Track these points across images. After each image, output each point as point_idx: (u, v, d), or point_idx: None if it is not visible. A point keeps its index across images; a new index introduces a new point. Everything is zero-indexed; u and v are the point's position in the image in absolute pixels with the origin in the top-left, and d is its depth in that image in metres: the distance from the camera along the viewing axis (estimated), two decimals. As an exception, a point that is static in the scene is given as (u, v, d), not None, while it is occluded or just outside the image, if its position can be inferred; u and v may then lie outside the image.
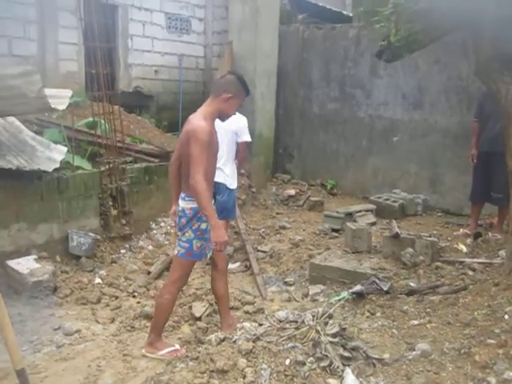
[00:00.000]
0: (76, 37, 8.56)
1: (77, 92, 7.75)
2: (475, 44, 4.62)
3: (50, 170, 5.91)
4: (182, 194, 4.27)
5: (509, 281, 4.19)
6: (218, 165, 5.80)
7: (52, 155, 6.10)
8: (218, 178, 6.02)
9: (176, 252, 4.32)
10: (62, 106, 5.99)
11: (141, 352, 4.38)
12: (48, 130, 7.06)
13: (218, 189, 6.16)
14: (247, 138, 6.33)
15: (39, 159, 5.93)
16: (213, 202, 4.45)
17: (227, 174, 6.12)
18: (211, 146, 4.13)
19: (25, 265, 5.43)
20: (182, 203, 4.25)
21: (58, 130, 7.01)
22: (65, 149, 6.33)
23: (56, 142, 6.50)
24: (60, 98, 6.07)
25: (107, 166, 6.74)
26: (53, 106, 5.60)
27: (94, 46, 6.76)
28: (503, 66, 4.38)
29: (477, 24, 4.49)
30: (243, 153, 6.40)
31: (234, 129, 6.09)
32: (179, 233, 4.30)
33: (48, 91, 5.58)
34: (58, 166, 6.00)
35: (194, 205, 4.11)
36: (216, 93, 4.23)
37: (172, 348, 4.33)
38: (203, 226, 4.20)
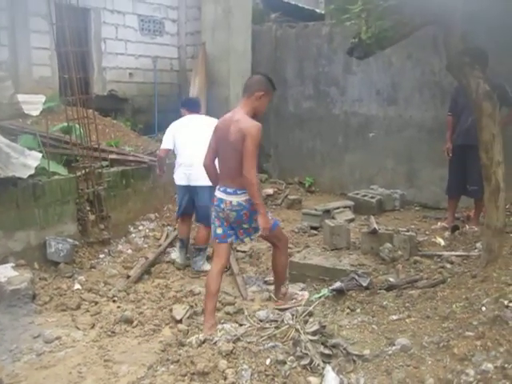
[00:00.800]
0: (48, 41, 8.50)
1: (51, 97, 7.71)
2: (445, 39, 4.65)
3: (25, 177, 5.86)
4: (229, 189, 4.53)
5: (485, 273, 4.23)
6: (195, 162, 5.87)
7: (27, 161, 6.04)
8: (195, 180, 6.05)
9: (253, 236, 4.80)
10: (36, 112, 5.95)
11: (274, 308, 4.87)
12: (22, 136, 6.99)
13: (195, 190, 6.17)
14: None
15: (14, 166, 5.87)
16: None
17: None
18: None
19: (2, 273, 5.35)
20: (233, 198, 4.52)
21: (33, 136, 6.94)
22: (39, 155, 6.27)
23: (30, 149, 6.43)
24: (33, 104, 6.04)
25: (83, 171, 6.70)
26: (26, 112, 5.57)
27: (66, 50, 6.71)
28: (473, 60, 4.42)
29: (446, 19, 4.52)
30: None
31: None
32: (244, 225, 4.62)
33: (21, 97, 5.54)
34: (33, 172, 5.95)
35: (248, 196, 4.44)
36: (249, 92, 4.64)
37: (298, 294, 5.13)
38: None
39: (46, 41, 8.54)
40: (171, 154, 6.54)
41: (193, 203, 6.37)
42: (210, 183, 5.88)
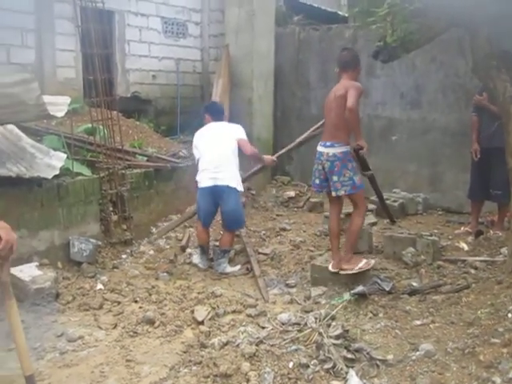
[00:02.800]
0: (73, 44, 8.57)
1: (75, 98, 7.76)
2: (472, 42, 4.62)
3: (50, 177, 5.91)
4: (328, 143, 5.34)
5: (511, 279, 4.18)
6: (219, 168, 5.94)
7: (51, 162, 6.11)
8: (222, 180, 6.10)
9: (343, 192, 5.32)
10: (61, 113, 6.00)
11: (340, 272, 5.35)
12: (47, 137, 7.06)
13: (221, 193, 6.17)
14: (246, 138, 6.50)
15: (39, 166, 5.94)
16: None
17: (232, 175, 6.18)
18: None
19: (27, 272, 5.41)
20: (330, 150, 5.30)
21: (57, 137, 7.00)
22: (64, 155, 6.33)
23: (55, 149, 6.51)
24: (58, 105, 6.08)
25: (107, 172, 6.75)
26: (51, 113, 5.61)
27: (91, 52, 6.77)
28: (500, 63, 4.39)
29: (473, 22, 4.49)
30: (246, 146, 6.43)
31: (234, 136, 6.37)
32: (334, 177, 5.28)
33: (46, 98, 5.58)
34: (57, 172, 6.00)
35: (343, 149, 5.27)
36: (352, 66, 5.37)
37: (364, 261, 5.41)
38: (353, 163, 5.35)
39: (70, 43, 8.61)
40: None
41: (215, 209, 6.39)
42: (236, 186, 6.01)
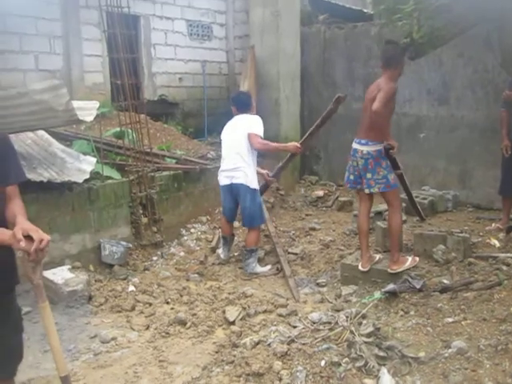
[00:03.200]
0: (100, 49, 8.71)
1: (103, 103, 7.88)
2: (500, 36, 4.58)
3: (81, 181, 6.00)
4: (363, 141, 5.37)
5: (544, 274, 4.14)
6: (234, 166, 6.04)
7: (82, 166, 6.20)
8: (237, 178, 6.16)
9: (376, 190, 5.38)
10: (90, 118, 6.08)
11: (388, 270, 5.36)
12: (77, 141, 7.16)
13: (238, 191, 6.25)
14: (256, 131, 6.34)
15: (69, 171, 6.03)
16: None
17: (246, 172, 6.22)
18: (392, 101, 5.34)
19: (59, 275, 5.50)
20: (364, 147, 5.34)
21: (87, 142, 7.10)
22: (94, 159, 6.42)
23: (85, 153, 6.60)
24: (87, 110, 6.17)
25: (136, 175, 6.82)
26: (80, 118, 5.68)
27: (118, 56, 6.84)
28: (529, 57, 4.34)
29: (501, 16, 4.44)
30: (254, 139, 6.28)
31: (247, 130, 6.32)
32: (368, 174, 5.35)
33: (75, 104, 5.66)
34: (87, 176, 6.09)
35: (377, 147, 5.32)
36: (393, 65, 5.27)
37: (410, 259, 5.48)
38: (387, 162, 5.41)
39: (97, 48, 8.74)
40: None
41: (235, 205, 6.51)
42: (249, 184, 6.16)
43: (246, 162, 6.28)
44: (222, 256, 6.68)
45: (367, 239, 5.65)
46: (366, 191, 5.47)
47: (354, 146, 5.49)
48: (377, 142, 5.34)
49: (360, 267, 5.55)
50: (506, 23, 4.41)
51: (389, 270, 5.39)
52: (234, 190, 6.34)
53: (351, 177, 5.61)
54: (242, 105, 6.59)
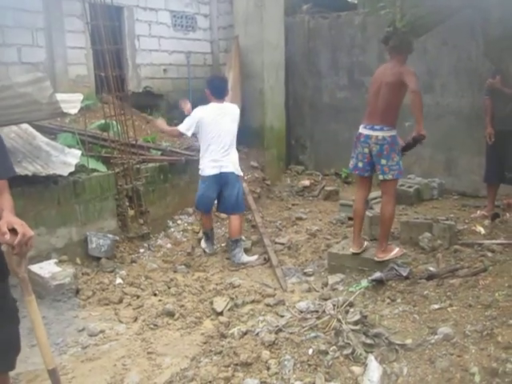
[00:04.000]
0: (83, 41, 8.62)
1: (87, 95, 7.82)
2: (483, 24, 4.59)
3: (66, 174, 5.96)
4: (376, 126, 5.29)
5: (528, 260, 4.18)
6: (224, 152, 6.16)
7: (67, 159, 6.16)
8: (227, 167, 6.20)
9: (390, 177, 5.30)
10: (74, 110, 6.04)
11: (375, 259, 5.40)
12: (61, 134, 7.11)
13: (226, 179, 6.27)
14: None
15: (54, 164, 5.99)
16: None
17: (234, 161, 6.40)
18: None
19: (46, 269, 5.48)
20: (379, 133, 5.26)
21: (71, 134, 7.06)
22: (79, 152, 6.37)
23: (70, 146, 6.56)
24: (71, 103, 6.12)
25: (122, 167, 6.79)
26: (65, 111, 5.65)
27: (101, 48, 6.80)
28: (512, 45, 4.36)
29: (484, 3, 4.45)
30: None
31: (235, 117, 6.52)
32: (383, 160, 5.26)
33: (59, 96, 5.62)
34: (73, 169, 6.05)
35: (392, 133, 5.29)
36: (402, 52, 5.26)
37: (397, 248, 5.51)
38: (399, 148, 5.37)
39: (81, 40, 8.65)
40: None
41: (216, 196, 6.52)
42: (238, 172, 6.35)
43: (235, 151, 6.44)
44: (207, 251, 6.71)
45: (361, 224, 5.70)
46: (380, 177, 5.37)
47: (366, 131, 5.39)
48: (391, 127, 5.31)
49: (352, 249, 5.62)
50: (489, 12, 4.42)
51: (375, 258, 5.42)
52: (222, 180, 6.35)
53: (360, 164, 5.48)
54: (219, 91, 6.44)
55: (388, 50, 5.40)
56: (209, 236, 6.76)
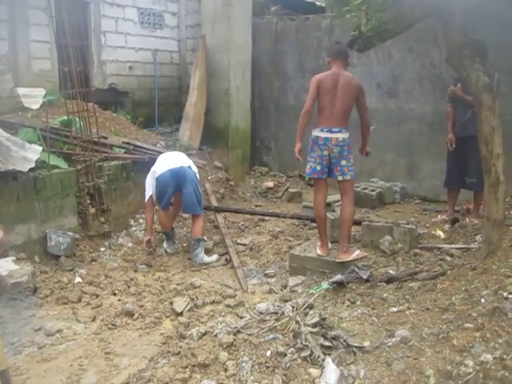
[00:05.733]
0: (48, 35, 8.47)
1: (51, 90, 7.71)
2: (445, 32, 4.64)
3: (26, 170, 5.86)
4: (335, 128, 5.40)
5: (485, 265, 4.23)
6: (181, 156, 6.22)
7: (27, 155, 6.04)
8: (183, 162, 6.28)
9: (348, 177, 5.45)
10: (36, 105, 5.95)
11: (336, 260, 5.44)
12: (22, 129, 6.99)
13: (184, 176, 6.33)
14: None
15: (14, 159, 5.88)
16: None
17: (191, 162, 6.45)
18: None
19: (3, 266, 5.36)
20: (339, 135, 5.40)
21: (33, 130, 6.94)
22: (40, 148, 6.26)
23: (31, 142, 6.44)
24: (33, 97, 6.03)
25: (83, 164, 6.70)
26: (26, 105, 5.57)
27: (66, 43, 6.69)
28: (473, 52, 4.41)
29: (446, 12, 4.51)
30: None
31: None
32: (343, 161, 5.42)
33: (21, 90, 5.53)
34: (33, 165, 5.95)
35: (349, 134, 5.45)
36: (345, 57, 5.63)
37: (358, 251, 5.54)
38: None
39: (45, 34, 8.51)
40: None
41: (174, 193, 6.52)
42: (195, 170, 6.51)
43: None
44: (168, 250, 6.68)
45: (325, 226, 5.71)
46: (340, 178, 5.45)
47: (324, 134, 5.42)
48: (347, 130, 5.46)
49: (320, 252, 5.63)
50: (451, 18, 4.48)
51: (337, 260, 5.44)
52: (179, 174, 6.34)
53: (318, 167, 5.51)
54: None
55: (336, 55, 5.62)
56: (169, 236, 6.73)
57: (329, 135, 5.40)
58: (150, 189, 6.54)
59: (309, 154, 5.59)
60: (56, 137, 7.06)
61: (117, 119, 9.03)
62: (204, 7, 10.07)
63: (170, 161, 6.50)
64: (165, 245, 6.74)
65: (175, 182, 6.38)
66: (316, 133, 5.49)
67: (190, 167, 6.47)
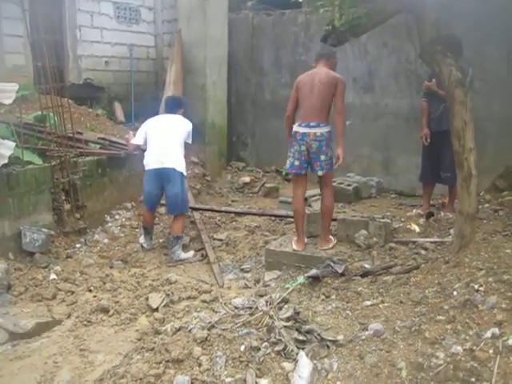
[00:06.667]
0: (22, 29, 8.36)
1: (25, 85, 7.62)
2: (418, 27, 4.66)
3: (-1, 166, 5.81)
4: (312, 123, 5.45)
5: (458, 258, 4.27)
6: (167, 150, 6.30)
7: (0, 151, 5.98)
8: (169, 162, 6.16)
9: (324, 171, 5.50)
10: (9, 100, 5.90)
11: (319, 249, 5.62)
12: (-5, 125, 6.91)
13: (168, 176, 6.22)
14: (189, 141, 6.70)
15: (-13, 156, 5.82)
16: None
17: (179, 159, 6.33)
18: None
19: (-24, 264, 5.33)
20: (317, 130, 5.44)
21: (6, 125, 6.86)
22: (13, 144, 6.19)
23: (4, 138, 6.36)
24: (6, 92, 5.98)
25: (58, 160, 6.65)
26: (-2, 101, 5.50)
27: (40, 38, 6.61)
28: (446, 47, 4.44)
29: (418, 7, 4.54)
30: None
31: (186, 129, 6.62)
32: (322, 156, 5.45)
33: (-7, 85, 5.47)
34: (6, 161, 5.89)
35: (328, 129, 5.48)
36: (327, 58, 5.76)
37: (333, 238, 5.82)
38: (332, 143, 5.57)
39: (19, 28, 8.39)
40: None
41: (161, 192, 6.46)
42: (181, 169, 6.20)
43: (179, 150, 6.45)
44: (145, 246, 6.64)
45: (303, 221, 5.77)
46: (320, 173, 5.53)
47: (302, 130, 5.49)
48: (326, 124, 5.48)
49: (295, 247, 5.67)
50: (424, 14, 4.50)
51: (320, 249, 5.61)
52: (164, 175, 6.28)
53: (296, 162, 5.57)
54: (170, 106, 6.87)
55: (316, 57, 5.81)
56: (148, 231, 6.69)
57: (306, 130, 5.46)
58: (137, 138, 6.67)
59: (289, 149, 5.65)
60: (30, 132, 7.00)
61: (92, 114, 8.97)
62: (180, 2, 10.04)
63: (158, 139, 6.47)
64: (141, 240, 6.69)
65: (160, 183, 6.36)
66: (295, 128, 5.58)
67: (174, 169, 6.31)
